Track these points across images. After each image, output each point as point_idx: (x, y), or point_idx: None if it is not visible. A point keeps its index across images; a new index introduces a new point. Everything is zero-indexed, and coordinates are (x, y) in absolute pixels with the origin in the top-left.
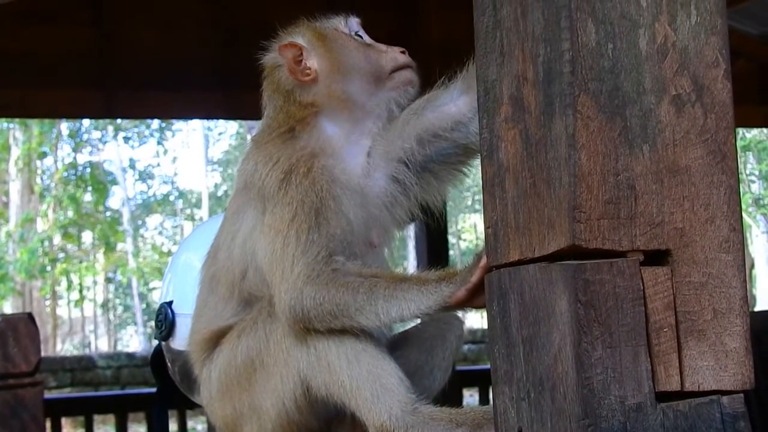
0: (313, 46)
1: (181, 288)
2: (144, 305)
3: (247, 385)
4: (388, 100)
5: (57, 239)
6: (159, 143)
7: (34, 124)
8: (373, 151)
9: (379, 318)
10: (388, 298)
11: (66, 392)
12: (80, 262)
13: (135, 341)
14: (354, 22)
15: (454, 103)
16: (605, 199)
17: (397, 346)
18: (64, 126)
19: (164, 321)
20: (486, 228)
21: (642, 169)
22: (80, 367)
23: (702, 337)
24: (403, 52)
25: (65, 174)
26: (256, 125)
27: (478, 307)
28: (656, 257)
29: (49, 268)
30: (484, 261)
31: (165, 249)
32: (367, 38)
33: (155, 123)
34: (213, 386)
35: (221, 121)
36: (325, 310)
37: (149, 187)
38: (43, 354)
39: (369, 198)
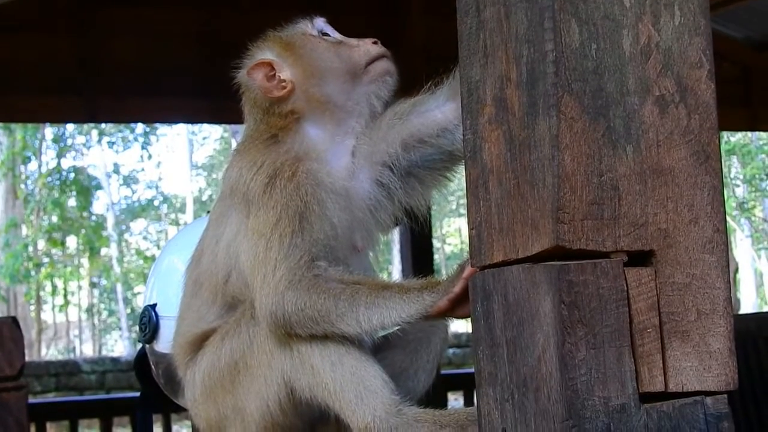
0: (283, 58)
1: (165, 291)
2: (129, 310)
3: (230, 388)
4: (368, 95)
5: (41, 244)
6: (143, 148)
7: (18, 129)
8: (357, 151)
9: (360, 325)
10: (369, 306)
11: (51, 397)
12: (65, 266)
13: (120, 346)
14: (320, 22)
15: (440, 109)
16: (589, 199)
17: (381, 348)
18: (49, 131)
19: (148, 324)
20: (470, 229)
21: (625, 170)
22: (65, 372)
23: (686, 337)
24: (375, 43)
25: (49, 179)
26: (241, 129)
27: (460, 317)
28: (640, 258)
29: (33, 272)
30: (467, 271)
31: (149, 254)
32: (336, 35)
33: (139, 127)
34: (197, 389)
35: (205, 126)
36: (307, 316)
37: (134, 192)
38: (27, 359)
39: (353, 201)
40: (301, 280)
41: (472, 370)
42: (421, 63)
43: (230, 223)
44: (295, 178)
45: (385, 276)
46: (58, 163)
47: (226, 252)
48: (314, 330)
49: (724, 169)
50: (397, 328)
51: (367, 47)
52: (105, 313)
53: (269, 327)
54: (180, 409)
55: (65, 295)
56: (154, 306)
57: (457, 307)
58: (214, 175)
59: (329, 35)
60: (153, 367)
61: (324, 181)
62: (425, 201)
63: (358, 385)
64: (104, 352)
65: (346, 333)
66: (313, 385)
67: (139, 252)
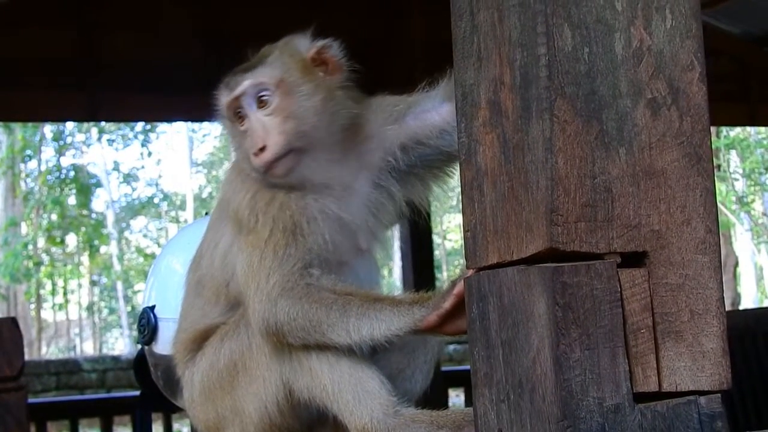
0: None
1: (164, 292)
2: (129, 308)
3: (229, 389)
4: None
5: (41, 242)
6: (143, 145)
7: (18, 127)
8: (347, 159)
9: (350, 336)
10: (360, 317)
11: (51, 396)
12: (65, 265)
13: (120, 344)
14: (246, 104)
15: (437, 111)
16: (582, 202)
17: (379, 349)
18: (48, 129)
19: (147, 325)
20: (465, 232)
21: (618, 172)
22: (65, 371)
23: (679, 338)
24: (256, 155)
25: (49, 177)
26: None
27: (450, 333)
28: (633, 259)
29: (33, 271)
30: (458, 288)
31: (150, 251)
32: (251, 120)
33: (139, 125)
34: (195, 389)
35: (205, 123)
36: (298, 326)
37: (133, 190)
38: (28, 358)
39: (353, 206)
40: (293, 288)
41: None
42: (421, 62)
43: (225, 233)
44: (276, 200)
45: (385, 272)
46: (58, 161)
47: (223, 260)
48: (306, 340)
49: (723, 164)
50: (386, 340)
51: (254, 158)
52: (105, 312)
53: (262, 335)
54: (179, 409)
55: (65, 294)
56: (152, 308)
57: (446, 322)
58: (214, 173)
59: (246, 117)
60: (152, 368)
61: (308, 198)
62: (426, 196)
63: (356, 386)
64: (105, 351)
65: (336, 343)
66: (311, 386)
67: (139, 250)
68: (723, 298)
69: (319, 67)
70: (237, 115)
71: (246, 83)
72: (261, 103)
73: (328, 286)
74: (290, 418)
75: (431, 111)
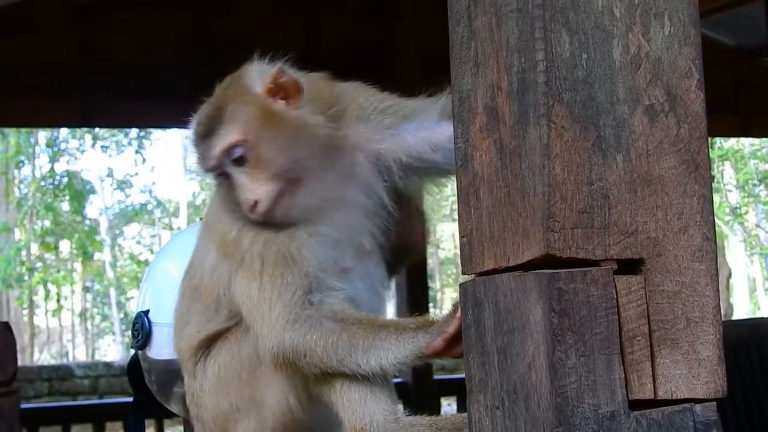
0: None
1: (158, 297)
2: (122, 314)
3: (249, 379)
4: None
5: (34, 248)
6: (137, 152)
7: (11, 133)
8: (335, 168)
9: (360, 367)
10: (366, 350)
11: (43, 402)
12: (58, 271)
13: (113, 350)
14: (231, 157)
15: (436, 130)
16: (579, 208)
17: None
18: (42, 135)
19: (141, 330)
20: (461, 237)
21: (615, 179)
22: (58, 377)
23: (675, 345)
24: (252, 208)
25: (43, 183)
26: None
27: (455, 356)
28: (630, 266)
29: (26, 277)
30: (461, 311)
31: (143, 258)
32: (240, 175)
33: (133, 132)
34: (208, 380)
35: None
36: (309, 363)
37: (127, 197)
38: (20, 363)
39: (346, 217)
40: (296, 320)
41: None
42: (414, 62)
43: (211, 251)
44: (260, 236)
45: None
46: (52, 168)
47: (212, 275)
48: (319, 372)
49: (717, 175)
50: (395, 368)
51: (251, 216)
52: (98, 318)
53: (275, 368)
54: (172, 415)
55: (58, 300)
56: (147, 312)
57: (452, 346)
58: (207, 180)
59: (236, 168)
60: (145, 373)
61: (299, 227)
62: (420, 195)
63: (365, 387)
64: (97, 357)
65: (348, 374)
66: (323, 380)
67: (132, 256)
68: (719, 306)
69: (278, 94)
70: (221, 176)
71: (215, 153)
72: (237, 161)
73: (331, 315)
74: (310, 415)
75: (430, 130)
